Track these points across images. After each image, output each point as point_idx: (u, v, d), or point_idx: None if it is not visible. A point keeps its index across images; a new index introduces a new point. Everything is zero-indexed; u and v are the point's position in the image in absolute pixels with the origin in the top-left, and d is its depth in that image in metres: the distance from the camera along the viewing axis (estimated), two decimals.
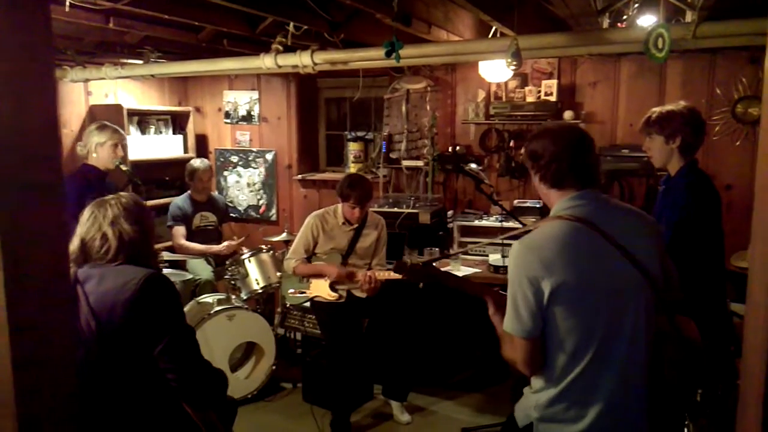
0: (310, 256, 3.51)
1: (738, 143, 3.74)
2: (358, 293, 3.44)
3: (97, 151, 3.36)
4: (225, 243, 4.28)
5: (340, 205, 3.46)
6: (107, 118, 4.37)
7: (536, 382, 1.65)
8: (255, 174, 5.20)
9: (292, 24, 3.03)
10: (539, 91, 4.10)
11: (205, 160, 4.58)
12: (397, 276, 3.28)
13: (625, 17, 2.94)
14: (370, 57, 3.15)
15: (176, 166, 4.78)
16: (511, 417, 1.78)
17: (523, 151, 1.75)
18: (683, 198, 2.27)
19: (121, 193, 1.89)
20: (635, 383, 1.59)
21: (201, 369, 1.80)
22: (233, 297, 3.79)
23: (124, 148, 3.52)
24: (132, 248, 1.76)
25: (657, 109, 2.39)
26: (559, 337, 1.55)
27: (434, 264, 1.95)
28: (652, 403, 1.64)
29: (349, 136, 4.90)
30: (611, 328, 1.55)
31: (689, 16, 2.50)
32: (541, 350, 1.57)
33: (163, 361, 1.70)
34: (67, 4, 2.46)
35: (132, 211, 1.80)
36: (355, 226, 3.48)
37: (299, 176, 5.03)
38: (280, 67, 3.31)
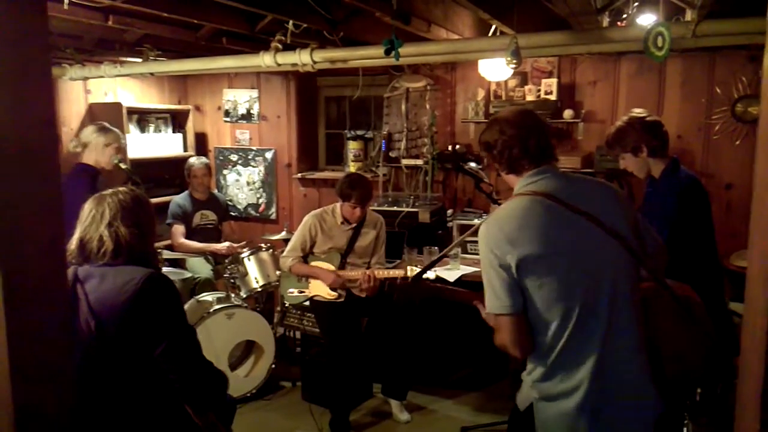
0: (306, 255, 3.50)
1: (738, 142, 3.73)
2: (357, 292, 3.44)
3: (103, 152, 3.36)
4: (226, 243, 4.28)
5: (338, 205, 3.45)
6: (106, 116, 4.37)
7: (530, 362, 1.67)
8: (254, 173, 5.20)
9: (291, 22, 3.02)
10: (539, 90, 4.10)
11: (203, 158, 4.58)
12: (398, 274, 3.32)
13: (624, 16, 2.94)
14: (370, 55, 3.15)
15: (175, 164, 4.77)
16: (515, 407, 1.78)
17: (478, 142, 1.84)
18: (670, 205, 2.28)
19: (121, 189, 1.83)
20: (625, 345, 1.60)
21: (202, 370, 1.79)
22: (232, 295, 3.79)
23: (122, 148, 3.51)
24: (130, 250, 1.73)
25: (609, 131, 2.48)
26: (539, 310, 1.57)
27: (423, 274, 2.02)
28: (654, 368, 1.64)
29: (348, 135, 4.90)
30: (590, 294, 1.56)
31: (689, 15, 2.50)
32: (526, 328, 1.60)
33: (164, 363, 1.68)
34: (66, 1, 2.45)
35: (130, 210, 1.77)
36: (354, 225, 3.47)
37: (299, 175, 5.03)
38: (279, 65, 3.31)
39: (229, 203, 5.11)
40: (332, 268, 3.44)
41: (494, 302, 1.59)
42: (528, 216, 1.58)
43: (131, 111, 4.57)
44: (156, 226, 1.92)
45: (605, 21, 2.84)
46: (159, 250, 3.63)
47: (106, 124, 3.50)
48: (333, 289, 3.41)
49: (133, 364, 1.68)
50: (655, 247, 1.72)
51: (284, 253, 3.55)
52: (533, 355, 1.64)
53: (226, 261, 3.97)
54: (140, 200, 1.84)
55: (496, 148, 1.70)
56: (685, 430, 2.34)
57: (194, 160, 4.46)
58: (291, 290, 3.55)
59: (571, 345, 1.57)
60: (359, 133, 4.88)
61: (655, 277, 1.67)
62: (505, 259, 1.55)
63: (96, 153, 3.35)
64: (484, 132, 1.76)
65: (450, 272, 3.51)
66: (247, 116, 5.16)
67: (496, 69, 3.74)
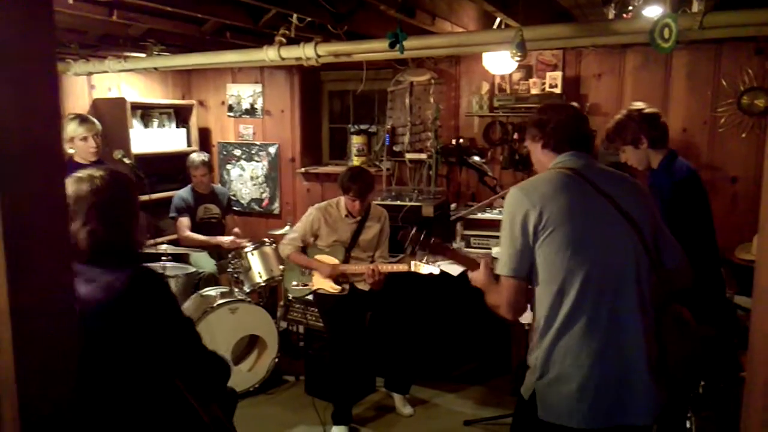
0: (307, 246, 3.50)
1: (744, 135, 3.70)
2: (361, 286, 3.44)
3: (73, 146, 3.35)
4: (231, 237, 4.28)
5: (342, 198, 3.45)
6: (111, 111, 4.39)
7: (533, 343, 1.71)
8: (258, 167, 5.20)
9: (295, 16, 3.01)
10: (543, 83, 4.08)
11: (203, 154, 4.54)
12: (402, 268, 3.31)
13: (630, 8, 2.92)
14: (374, 49, 3.14)
15: (179, 159, 4.76)
16: (520, 397, 1.78)
17: (528, 127, 1.89)
18: (666, 194, 2.29)
19: (96, 175, 1.62)
20: (630, 330, 1.61)
21: (204, 359, 1.78)
22: (236, 290, 3.79)
23: (96, 138, 3.40)
24: (109, 246, 1.61)
25: (609, 125, 2.51)
26: (545, 281, 1.62)
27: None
28: (656, 362, 1.65)
29: (352, 129, 4.89)
30: (596, 271, 1.60)
31: (696, 6, 2.48)
32: (524, 294, 1.67)
33: (167, 356, 1.67)
34: None
35: (107, 202, 1.61)
36: (358, 218, 3.47)
37: (302, 169, 5.03)
38: (283, 59, 3.30)
39: (233, 198, 5.11)
40: (336, 261, 3.44)
41: (501, 263, 1.68)
42: (554, 185, 1.66)
43: (135, 106, 4.57)
44: (139, 213, 1.73)
45: (611, 13, 2.82)
46: (146, 241, 3.60)
47: (72, 115, 3.43)
48: (337, 282, 3.41)
49: (128, 362, 1.63)
50: (675, 263, 1.73)
51: (284, 240, 3.54)
52: (537, 330, 1.67)
53: (230, 255, 3.98)
54: (119, 187, 1.66)
55: (550, 124, 1.79)
56: (688, 423, 2.34)
57: (194, 156, 4.44)
58: (294, 283, 3.56)
59: (574, 321, 1.59)
60: (363, 127, 4.87)
61: (665, 292, 1.70)
62: (524, 223, 1.62)
63: (72, 148, 3.32)
64: (538, 113, 1.87)
65: (453, 267, 3.50)
66: (251, 111, 5.16)
67: (500, 62, 3.73)
